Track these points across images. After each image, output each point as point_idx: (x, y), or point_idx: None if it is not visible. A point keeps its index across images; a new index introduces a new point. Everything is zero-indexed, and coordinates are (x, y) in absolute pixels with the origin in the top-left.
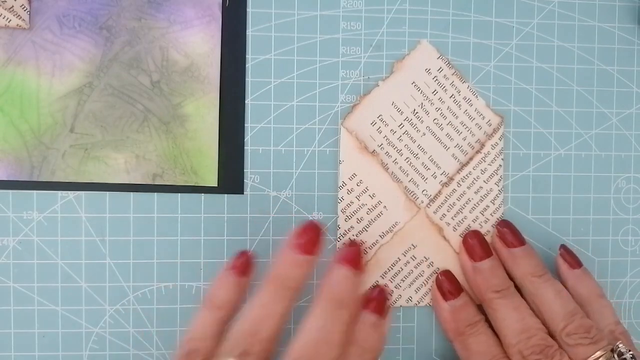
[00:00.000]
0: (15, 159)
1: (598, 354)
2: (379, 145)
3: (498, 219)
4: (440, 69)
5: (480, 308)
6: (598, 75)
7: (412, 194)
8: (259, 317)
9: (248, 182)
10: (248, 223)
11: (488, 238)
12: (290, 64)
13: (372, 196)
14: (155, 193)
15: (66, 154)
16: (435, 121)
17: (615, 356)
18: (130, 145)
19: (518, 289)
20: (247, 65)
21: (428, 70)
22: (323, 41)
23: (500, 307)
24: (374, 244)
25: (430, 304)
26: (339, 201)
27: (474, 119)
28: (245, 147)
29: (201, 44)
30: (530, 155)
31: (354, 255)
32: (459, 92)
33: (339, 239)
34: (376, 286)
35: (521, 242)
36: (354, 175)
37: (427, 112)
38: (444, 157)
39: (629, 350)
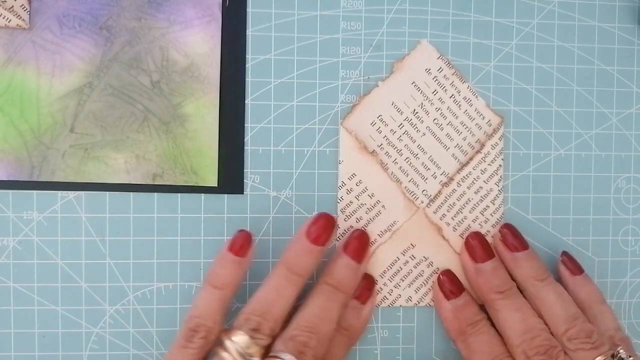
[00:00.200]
0: (15, 159)
1: (599, 359)
2: (378, 145)
3: (498, 219)
4: (440, 69)
5: (482, 308)
6: (598, 75)
7: (412, 194)
8: (269, 298)
9: (248, 182)
10: (248, 223)
11: (488, 238)
12: (290, 64)
13: (371, 196)
14: (155, 193)
15: (66, 154)
16: (435, 121)
17: None
18: (130, 145)
19: (520, 291)
20: (247, 65)
21: (428, 70)
22: (323, 41)
23: (503, 308)
24: (372, 243)
25: (430, 304)
26: (339, 201)
27: (474, 119)
28: (245, 147)
29: (201, 44)
30: (530, 155)
31: (359, 248)
32: (459, 92)
33: (338, 239)
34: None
35: (524, 246)
36: (354, 175)
37: (427, 112)
38: (444, 157)
39: (630, 356)
